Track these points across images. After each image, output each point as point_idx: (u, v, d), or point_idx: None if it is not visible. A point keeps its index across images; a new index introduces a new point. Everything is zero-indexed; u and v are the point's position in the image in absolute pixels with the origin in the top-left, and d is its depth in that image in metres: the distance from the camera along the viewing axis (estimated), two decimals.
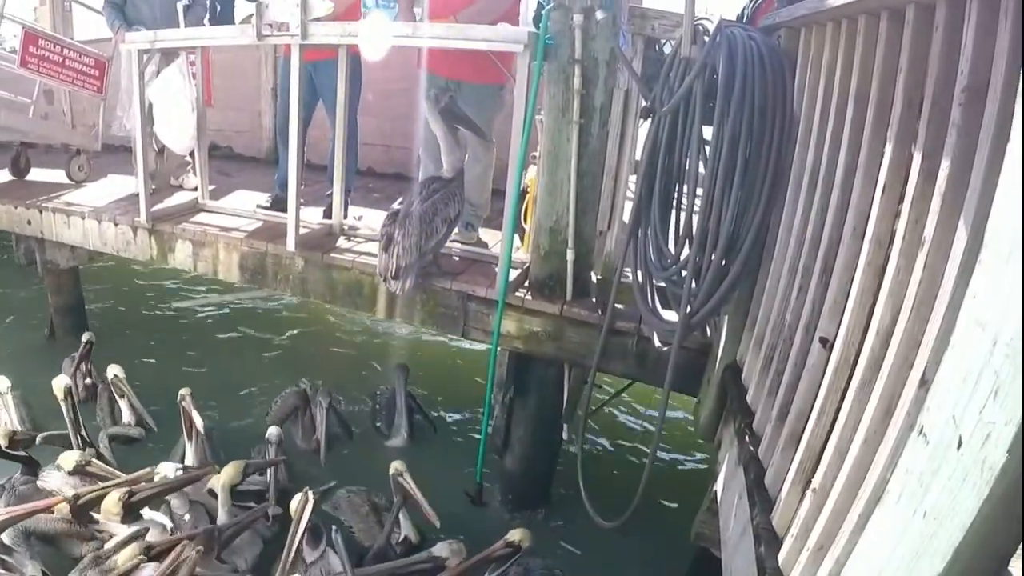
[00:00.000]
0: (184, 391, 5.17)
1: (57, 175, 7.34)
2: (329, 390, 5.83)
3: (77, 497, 4.20)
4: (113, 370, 5.64)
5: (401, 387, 5.85)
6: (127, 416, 5.61)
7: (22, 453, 4.85)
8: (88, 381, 6.03)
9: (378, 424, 5.99)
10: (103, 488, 4.33)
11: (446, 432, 6.12)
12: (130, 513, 4.27)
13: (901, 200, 2.00)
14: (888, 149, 2.12)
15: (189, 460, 5.02)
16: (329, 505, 4.89)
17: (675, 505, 5.22)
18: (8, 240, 7.40)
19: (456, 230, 5.31)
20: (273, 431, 5.27)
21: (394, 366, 6.14)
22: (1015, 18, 1.45)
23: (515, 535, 4.33)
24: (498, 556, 4.33)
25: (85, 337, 6.23)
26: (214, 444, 5.24)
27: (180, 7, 6.66)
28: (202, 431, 5.09)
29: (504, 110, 5.71)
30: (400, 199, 4.96)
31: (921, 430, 1.49)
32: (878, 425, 1.83)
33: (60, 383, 5.23)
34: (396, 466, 4.64)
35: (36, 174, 7.51)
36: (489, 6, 5.34)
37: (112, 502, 4.21)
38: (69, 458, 4.57)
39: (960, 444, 1.31)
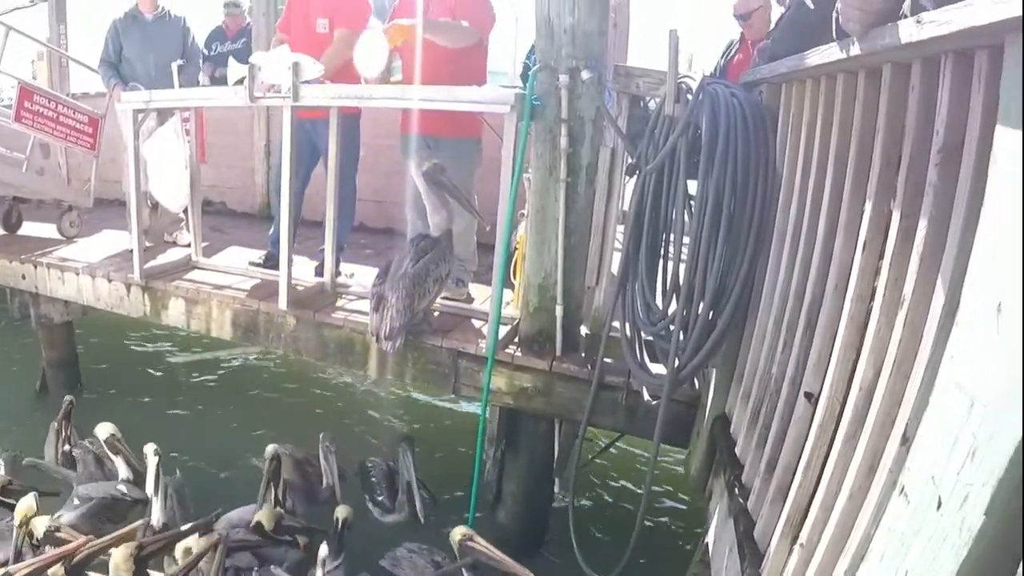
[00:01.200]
0: (148, 448, 5.05)
1: (50, 230, 7.37)
2: (333, 435, 5.72)
3: (71, 557, 4.13)
4: (107, 429, 5.33)
5: (408, 461, 5.34)
6: (124, 473, 5.41)
7: (12, 501, 4.80)
8: (67, 448, 5.69)
9: (380, 498, 5.47)
10: (99, 544, 4.24)
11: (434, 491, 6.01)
12: (140, 569, 4.19)
13: (881, 257, 2.02)
14: (868, 206, 2.14)
15: (155, 518, 4.85)
16: (389, 562, 4.71)
17: (668, 556, 5.17)
18: (2, 294, 7.39)
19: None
20: (270, 448, 5.21)
21: (397, 437, 5.78)
22: (988, 79, 1.48)
23: None
24: None
25: (67, 398, 5.98)
26: (185, 503, 5.10)
27: (175, 67, 6.73)
28: (167, 489, 4.97)
29: (482, 164, 5.75)
30: (391, 258, 4.98)
31: (902, 489, 1.50)
32: (862, 481, 1.84)
33: None
34: (462, 531, 4.27)
35: (28, 228, 7.54)
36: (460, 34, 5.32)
37: (123, 558, 3.99)
38: (40, 523, 4.45)
39: (940, 505, 1.32)
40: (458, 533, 4.26)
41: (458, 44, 5.24)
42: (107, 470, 5.45)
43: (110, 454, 5.32)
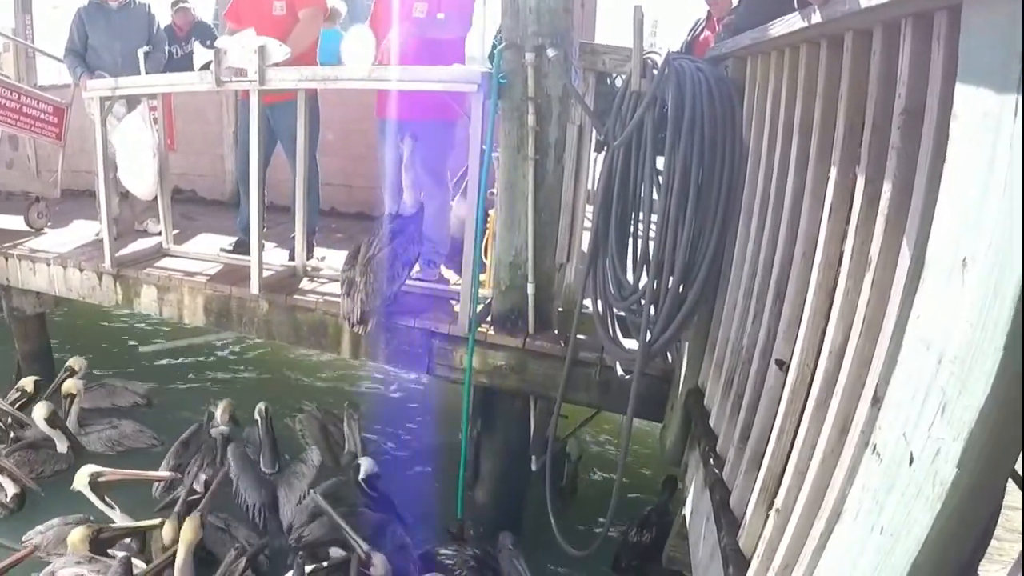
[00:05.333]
0: (91, 471, 4.91)
1: (18, 221, 7.25)
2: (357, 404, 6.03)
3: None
4: (43, 410, 5.57)
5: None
6: (62, 447, 5.62)
7: None
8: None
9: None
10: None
11: (421, 470, 6.04)
12: (97, 549, 4.41)
13: (848, 222, 2.03)
14: (833, 173, 2.15)
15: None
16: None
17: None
18: None
19: (418, 267, 5.33)
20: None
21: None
22: (948, 39, 1.48)
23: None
24: None
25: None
26: None
27: (141, 53, 6.66)
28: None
29: (455, 146, 5.72)
30: (360, 242, 4.97)
31: (874, 448, 1.51)
32: (835, 444, 1.85)
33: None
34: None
35: None
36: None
37: (79, 537, 4.34)
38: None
39: (912, 460, 1.33)
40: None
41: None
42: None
43: (47, 431, 5.51)
